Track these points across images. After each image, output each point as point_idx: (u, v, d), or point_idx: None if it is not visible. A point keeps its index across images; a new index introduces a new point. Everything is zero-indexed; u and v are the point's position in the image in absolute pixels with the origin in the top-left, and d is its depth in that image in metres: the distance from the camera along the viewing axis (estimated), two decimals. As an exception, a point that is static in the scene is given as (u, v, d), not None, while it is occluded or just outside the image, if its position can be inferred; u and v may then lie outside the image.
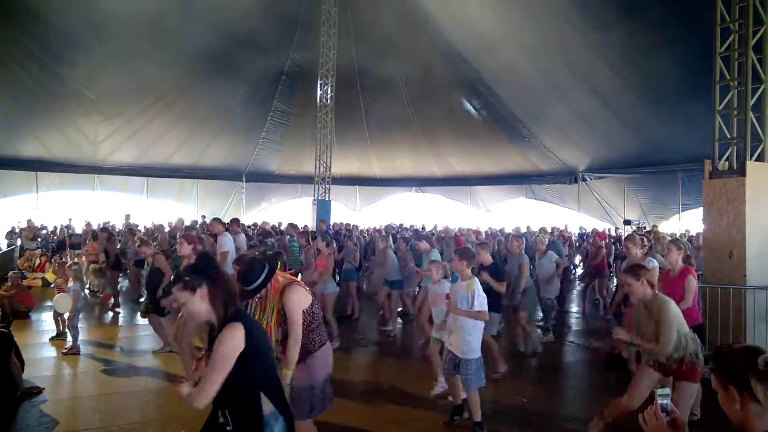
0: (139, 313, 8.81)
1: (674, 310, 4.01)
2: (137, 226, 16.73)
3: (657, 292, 4.14)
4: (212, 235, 9.44)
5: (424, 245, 8.52)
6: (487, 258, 6.66)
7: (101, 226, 15.43)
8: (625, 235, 13.84)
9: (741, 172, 7.03)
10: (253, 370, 2.47)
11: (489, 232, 16.33)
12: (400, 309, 10.16)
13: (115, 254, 11.31)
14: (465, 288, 4.92)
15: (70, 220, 18.21)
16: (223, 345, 2.39)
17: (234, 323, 2.43)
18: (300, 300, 3.58)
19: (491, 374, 6.12)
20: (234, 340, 2.39)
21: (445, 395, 5.64)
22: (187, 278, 2.51)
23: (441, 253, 9.74)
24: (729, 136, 7.42)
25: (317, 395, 3.66)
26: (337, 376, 6.55)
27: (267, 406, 2.52)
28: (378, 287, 9.77)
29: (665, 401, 2.04)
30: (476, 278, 5.02)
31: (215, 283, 2.51)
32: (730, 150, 7.38)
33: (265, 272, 3.48)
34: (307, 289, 3.78)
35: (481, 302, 4.83)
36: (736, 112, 7.36)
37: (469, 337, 4.84)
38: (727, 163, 7.41)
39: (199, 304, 2.49)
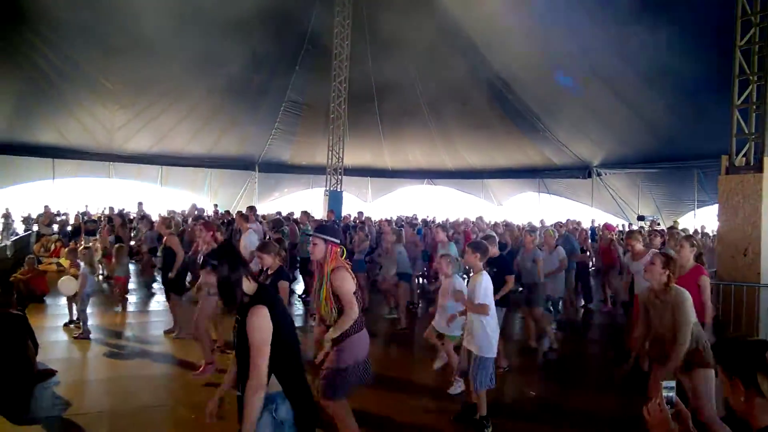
0: (151, 299, 8.91)
1: (691, 306, 3.97)
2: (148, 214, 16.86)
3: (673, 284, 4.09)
4: (223, 223, 9.51)
5: (441, 236, 8.53)
6: (493, 251, 6.63)
7: (115, 213, 15.64)
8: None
9: (758, 168, 6.93)
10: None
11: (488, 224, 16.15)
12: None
13: (128, 240, 11.43)
14: (473, 281, 4.91)
15: (86, 206, 18.44)
16: (257, 332, 2.52)
17: (258, 306, 2.56)
18: (350, 283, 3.81)
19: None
20: (263, 323, 2.52)
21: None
22: (214, 262, 2.63)
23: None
24: (747, 132, 7.30)
25: (352, 377, 3.82)
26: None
27: (274, 388, 2.59)
28: (387, 279, 9.76)
29: (670, 394, 2.04)
30: (485, 272, 4.96)
31: (237, 268, 2.63)
32: (747, 146, 7.28)
33: None
34: (352, 273, 3.94)
35: (483, 295, 4.79)
36: (755, 107, 7.24)
37: (478, 334, 4.81)
38: (744, 158, 7.31)
39: None
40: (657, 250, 6.11)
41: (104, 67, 16.55)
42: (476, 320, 4.81)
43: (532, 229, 9.35)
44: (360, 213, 16.91)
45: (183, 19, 15.18)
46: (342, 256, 3.91)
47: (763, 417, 1.67)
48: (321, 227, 4.16)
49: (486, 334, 4.78)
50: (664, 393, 2.04)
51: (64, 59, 15.84)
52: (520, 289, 7.69)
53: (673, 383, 2.10)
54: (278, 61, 18.76)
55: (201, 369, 6.01)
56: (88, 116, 18.40)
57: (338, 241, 3.89)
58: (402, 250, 9.43)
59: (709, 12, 10.52)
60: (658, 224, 16.25)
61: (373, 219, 15.75)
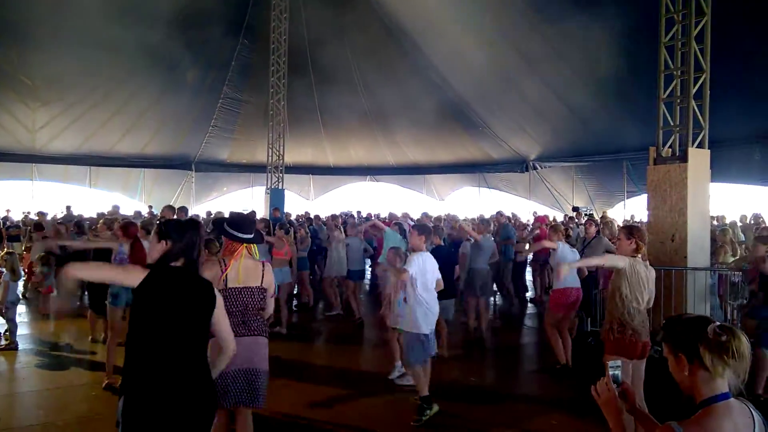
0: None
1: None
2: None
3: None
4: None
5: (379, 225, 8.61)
6: (436, 240, 6.77)
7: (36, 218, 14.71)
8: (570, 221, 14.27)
9: (683, 158, 7.32)
10: None
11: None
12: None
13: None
14: (410, 256, 5.10)
15: (7, 211, 17.29)
16: None
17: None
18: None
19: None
20: None
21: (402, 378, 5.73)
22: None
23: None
24: (672, 124, 7.70)
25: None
26: (297, 363, 6.61)
27: None
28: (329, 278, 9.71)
29: (616, 372, 2.10)
30: (424, 252, 5.11)
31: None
32: (673, 137, 7.67)
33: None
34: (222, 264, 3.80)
35: (411, 268, 4.91)
36: (679, 101, 7.64)
37: (403, 309, 4.99)
38: (670, 149, 7.70)
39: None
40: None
41: (23, 63, 15.53)
42: (403, 297, 4.99)
43: (482, 221, 9.48)
44: (306, 212, 16.64)
45: (112, 10, 14.49)
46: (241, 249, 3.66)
47: (706, 389, 1.74)
48: (216, 221, 4.00)
49: (410, 308, 4.93)
50: (610, 372, 2.09)
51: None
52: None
53: (618, 362, 2.16)
54: (214, 55, 18.23)
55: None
56: (7, 115, 17.23)
57: (234, 236, 3.63)
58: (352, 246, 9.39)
59: (635, 11, 11.07)
60: (591, 214, 16.96)
61: (320, 216, 15.49)
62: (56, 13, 14.14)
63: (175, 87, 18.22)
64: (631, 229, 4.49)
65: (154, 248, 2.64)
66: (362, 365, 6.91)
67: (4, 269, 7.21)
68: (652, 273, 4.42)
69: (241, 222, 3.73)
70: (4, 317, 7.21)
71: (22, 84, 16.05)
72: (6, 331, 7.25)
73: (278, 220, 11.97)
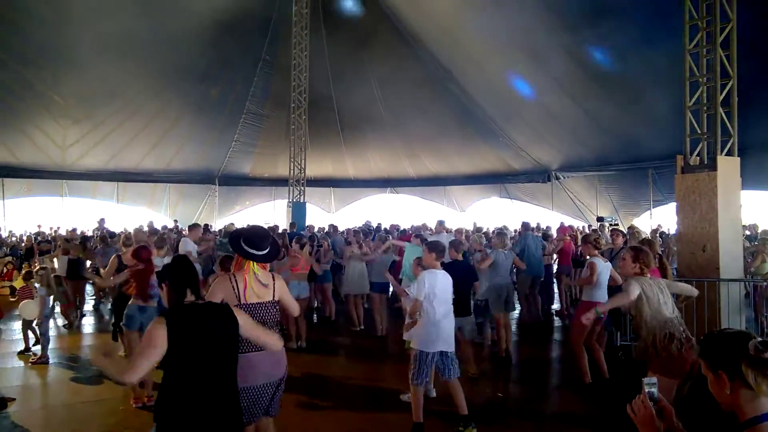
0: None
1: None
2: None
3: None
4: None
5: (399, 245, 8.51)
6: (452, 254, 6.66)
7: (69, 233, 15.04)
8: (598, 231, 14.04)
9: (712, 166, 7.19)
10: None
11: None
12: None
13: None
14: (421, 275, 5.03)
15: (39, 226, 17.74)
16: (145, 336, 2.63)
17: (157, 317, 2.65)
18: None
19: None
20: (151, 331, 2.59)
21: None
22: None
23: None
24: (700, 132, 7.58)
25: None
26: (313, 378, 6.60)
27: None
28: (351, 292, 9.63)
29: (652, 389, 2.04)
30: (436, 270, 5.02)
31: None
32: (701, 145, 7.54)
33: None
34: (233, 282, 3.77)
35: (420, 288, 4.84)
36: (706, 108, 7.52)
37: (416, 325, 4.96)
38: (698, 158, 7.57)
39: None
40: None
41: (55, 82, 16.02)
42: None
43: (498, 233, 9.34)
44: (331, 226, 16.42)
45: (138, 33, 14.90)
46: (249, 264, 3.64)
47: (750, 408, 1.69)
48: (231, 237, 3.86)
49: (420, 326, 4.88)
50: (646, 389, 2.04)
51: (14, 76, 15.27)
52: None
53: (654, 379, 2.10)
54: (236, 72, 18.54)
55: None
56: (39, 133, 17.73)
57: (247, 253, 3.58)
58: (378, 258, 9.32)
59: (656, 17, 10.95)
60: (617, 224, 16.71)
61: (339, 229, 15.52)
62: (87, 36, 14.60)
63: (199, 104, 18.59)
64: (638, 253, 4.35)
65: (162, 295, 2.85)
66: (380, 381, 6.74)
67: (38, 284, 7.37)
68: (662, 281, 4.37)
69: (256, 238, 3.66)
70: (39, 331, 7.36)
71: (54, 102, 16.53)
72: (37, 344, 7.40)
73: (295, 234, 12.02)
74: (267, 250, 3.64)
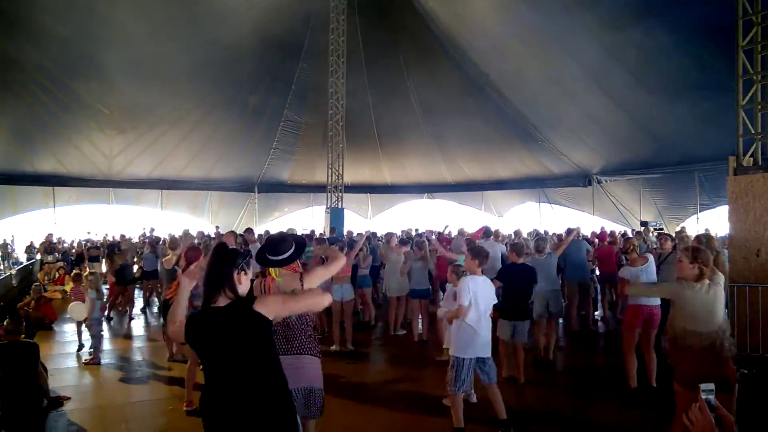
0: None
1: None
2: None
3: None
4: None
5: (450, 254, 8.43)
6: (513, 257, 6.60)
7: (114, 240, 15.53)
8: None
9: (767, 167, 6.92)
10: None
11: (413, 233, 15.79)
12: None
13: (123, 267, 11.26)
14: (461, 283, 4.98)
15: (88, 233, 18.39)
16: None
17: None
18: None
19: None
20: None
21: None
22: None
23: None
24: (753, 132, 7.31)
25: None
26: (351, 383, 6.61)
27: None
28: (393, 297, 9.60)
29: (710, 396, 1.91)
30: (476, 276, 4.97)
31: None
32: (754, 146, 7.27)
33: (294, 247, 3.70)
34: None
35: (460, 296, 4.82)
36: (760, 107, 7.25)
37: (453, 331, 4.95)
38: (751, 159, 7.30)
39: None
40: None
41: (101, 93, 16.58)
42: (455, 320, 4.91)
43: (540, 237, 9.17)
44: (368, 231, 16.49)
45: (178, 43, 15.31)
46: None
47: None
48: (257, 254, 3.80)
49: (457, 332, 4.85)
50: (703, 396, 1.91)
51: (61, 87, 15.84)
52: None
53: (711, 386, 1.96)
54: (274, 80, 18.82)
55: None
56: (86, 143, 18.40)
57: (268, 261, 3.66)
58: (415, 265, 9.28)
59: (704, 14, 10.58)
60: (662, 229, 16.22)
61: (377, 234, 15.58)
62: (130, 49, 15.08)
63: (238, 112, 18.96)
64: (696, 252, 3.94)
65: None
66: (422, 385, 6.63)
67: (89, 288, 7.64)
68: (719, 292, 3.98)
69: (273, 243, 3.71)
70: (90, 332, 7.62)
71: (100, 113, 17.13)
72: (91, 346, 7.65)
73: (335, 239, 12.10)
74: (287, 254, 3.64)
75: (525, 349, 6.69)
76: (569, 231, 10.09)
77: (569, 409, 5.88)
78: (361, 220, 25.45)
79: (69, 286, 11.84)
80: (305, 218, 24.42)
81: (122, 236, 15.87)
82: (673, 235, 9.94)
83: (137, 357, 8.02)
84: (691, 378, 3.57)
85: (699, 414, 1.88)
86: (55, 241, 17.28)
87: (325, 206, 18.91)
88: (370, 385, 6.69)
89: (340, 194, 18.55)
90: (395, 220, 25.61)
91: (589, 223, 20.57)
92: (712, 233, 14.38)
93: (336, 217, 17.84)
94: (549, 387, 6.61)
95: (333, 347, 7.98)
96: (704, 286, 3.84)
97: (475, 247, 5.59)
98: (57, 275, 14.25)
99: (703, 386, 1.94)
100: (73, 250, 16.73)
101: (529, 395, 6.19)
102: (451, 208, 26.80)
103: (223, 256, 2.69)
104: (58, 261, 15.60)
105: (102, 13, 14.15)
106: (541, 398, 6.15)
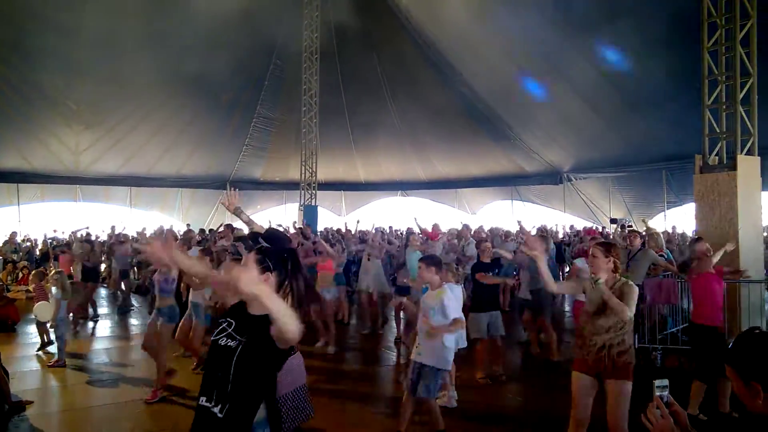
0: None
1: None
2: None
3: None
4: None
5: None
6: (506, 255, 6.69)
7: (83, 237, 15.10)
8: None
9: (732, 166, 7.09)
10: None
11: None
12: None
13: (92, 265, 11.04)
14: (434, 298, 4.63)
15: (54, 231, 17.87)
16: None
17: None
18: None
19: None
20: None
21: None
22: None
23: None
24: (719, 131, 7.48)
25: None
26: (331, 382, 6.56)
27: (261, 413, 2.37)
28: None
29: (664, 392, 1.85)
30: (446, 286, 4.70)
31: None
32: (719, 144, 7.45)
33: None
34: None
35: (453, 310, 4.60)
36: (725, 107, 7.43)
37: (438, 346, 4.56)
38: (717, 157, 7.47)
39: None
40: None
41: (68, 88, 16.13)
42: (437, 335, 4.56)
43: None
44: (345, 226, 16.40)
45: (148, 38, 14.98)
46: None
47: None
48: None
49: (443, 346, 4.57)
50: (657, 392, 1.85)
51: (26, 82, 15.38)
52: None
53: (666, 381, 1.89)
54: (246, 76, 18.58)
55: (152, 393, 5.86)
56: (52, 139, 17.85)
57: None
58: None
59: (670, 15, 10.80)
60: (630, 226, 16.53)
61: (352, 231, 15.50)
62: (98, 42, 14.69)
63: (210, 108, 18.63)
64: (609, 246, 3.97)
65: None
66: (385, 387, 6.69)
67: (54, 288, 7.40)
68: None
69: (275, 241, 3.76)
70: (56, 335, 7.40)
71: (67, 108, 16.65)
72: (48, 344, 7.44)
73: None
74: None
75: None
76: (542, 229, 10.22)
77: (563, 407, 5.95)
78: (335, 217, 25.32)
79: (32, 285, 11.53)
80: (278, 215, 24.17)
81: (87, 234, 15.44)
82: (642, 232, 10.11)
83: (102, 359, 7.81)
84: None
85: (657, 413, 1.82)
86: (19, 240, 16.76)
87: (298, 203, 18.77)
88: (349, 386, 6.65)
89: (314, 191, 18.44)
90: (369, 217, 25.54)
91: (560, 220, 20.91)
92: (680, 231, 14.81)
93: (310, 214, 17.74)
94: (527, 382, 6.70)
95: (318, 344, 7.95)
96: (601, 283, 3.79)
97: (429, 255, 5.53)
98: (21, 275, 13.81)
99: (657, 382, 1.88)
100: (38, 249, 16.24)
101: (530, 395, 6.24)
102: (425, 205, 26.86)
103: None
104: (22, 260, 15.13)
105: (67, 4, 13.74)
106: (509, 394, 6.20)
